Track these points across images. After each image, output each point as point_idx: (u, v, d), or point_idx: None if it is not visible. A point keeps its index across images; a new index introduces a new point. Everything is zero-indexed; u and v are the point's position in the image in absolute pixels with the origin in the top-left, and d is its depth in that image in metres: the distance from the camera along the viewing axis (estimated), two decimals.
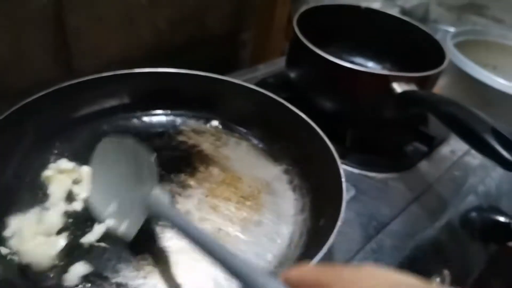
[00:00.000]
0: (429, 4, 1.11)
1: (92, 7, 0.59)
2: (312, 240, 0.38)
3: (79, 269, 0.34)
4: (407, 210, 0.49)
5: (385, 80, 0.51)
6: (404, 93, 0.50)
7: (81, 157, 0.42)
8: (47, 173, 0.41)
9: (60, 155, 0.43)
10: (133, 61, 0.49)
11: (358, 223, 0.46)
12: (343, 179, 0.39)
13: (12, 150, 0.40)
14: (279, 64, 0.70)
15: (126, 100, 0.49)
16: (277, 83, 0.65)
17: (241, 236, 0.39)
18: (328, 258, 0.34)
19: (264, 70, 0.71)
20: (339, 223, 0.35)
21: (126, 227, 0.36)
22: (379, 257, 0.43)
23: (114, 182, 0.38)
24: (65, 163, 0.42)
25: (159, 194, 0.35)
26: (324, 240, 0.34)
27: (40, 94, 0.41)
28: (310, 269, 0.21)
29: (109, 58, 0.66)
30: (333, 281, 0.19)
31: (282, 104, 0.49)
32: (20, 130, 0.40)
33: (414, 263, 0.45)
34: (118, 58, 0.67)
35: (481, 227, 0.53)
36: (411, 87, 0.51)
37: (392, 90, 0.50)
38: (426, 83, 0.53)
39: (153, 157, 0.36)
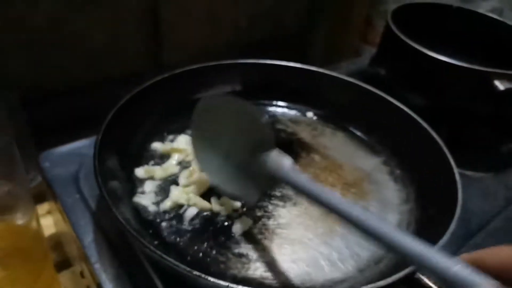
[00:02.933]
0: (503, 9, 1.07)
1: (184, 1, 0.62)
2: (424, 229, 0.38)
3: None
4: (508, 209, 0.48)
5: (487, 77, 0.50)
6: (508, 90, 0.49)
7: None
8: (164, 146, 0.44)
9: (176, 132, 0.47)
10: (214, 56, 0.51)
11: (459, 219, 0.46)
12: (454, 167, 0.39)
13: (139, 123, 0.43)
14: (360, 62, 0.71)
15: (238, 87, 0.52)
16: (362, 80, 0.65)
17: None
18: None
19: (346, 68, 0.71)
20: (458, 212, 0.35)
21: (248, 193, 0.35)
22: None
23: (221, 144, 0.36)
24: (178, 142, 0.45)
25: (278, 156, 0.32)
26: (442, 228, 0.34)
27: (165, 75, 0.44)
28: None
29: (193, 52, 0.69)
30: None
31: (380, 96, 0.49)
32: (148, 104, 0.44)
33: None
34: (201, 52, 0.70)
35: None
36: None
37: (494, 87, 0.50)
38: None
39: (264, 116, 0.34)
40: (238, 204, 0.40)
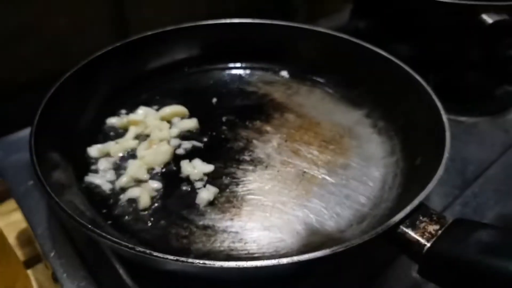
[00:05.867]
0: None
1: None
2: (410, 179, 0.34)
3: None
4: (506, 154, 0.44)
5: (474, 11, 0.45)
6: (496, 22, 0.44)
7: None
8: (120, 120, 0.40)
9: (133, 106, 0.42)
10: None
11: (453, 168, 0.41)
12: (442, 111, 0.35)
13: (88, 100, 0.39)
14: (339, 19, 0.66)
15: (194, 52, 0.47)
16: None
17: (328, 178, 0.36)
18: (426, 202, 0.30)
19: (325, 24, 0.67)
20: (446, 154, 0.31)
21: None
22: (481, 202, 0.38)
23: None
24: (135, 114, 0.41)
25: None
26: (429, 176, 0.30)
27: (113, 46, 0.40)
28: None
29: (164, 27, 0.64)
30: None
31: (359, 44, 0.45)
32: (95, 80, 0.39)
33: None
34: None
35: None
36: (503, 17, 0.45)
37: (482, 22, 0.45)
38: None
39: None
40: (210, 167, 0.36)
